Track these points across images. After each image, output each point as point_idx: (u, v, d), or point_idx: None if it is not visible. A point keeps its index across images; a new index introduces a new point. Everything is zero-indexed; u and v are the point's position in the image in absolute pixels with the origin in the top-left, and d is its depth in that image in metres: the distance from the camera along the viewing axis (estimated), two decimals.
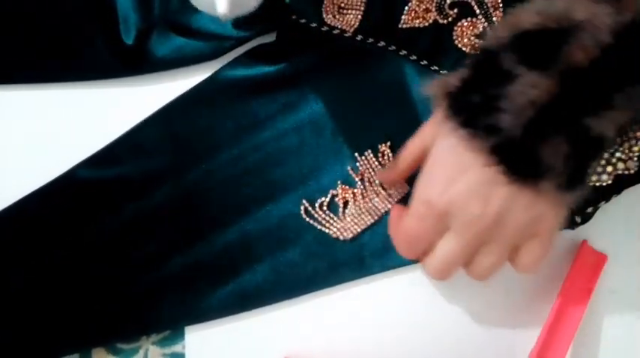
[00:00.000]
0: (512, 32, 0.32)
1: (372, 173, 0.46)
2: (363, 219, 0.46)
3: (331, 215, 0.46)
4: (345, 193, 0.46)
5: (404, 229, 0.37)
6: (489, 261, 0.35)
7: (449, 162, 0.34)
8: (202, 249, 0.46)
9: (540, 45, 0.31)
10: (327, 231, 0.46)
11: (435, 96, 0.34)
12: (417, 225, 0.36)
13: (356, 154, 0.47)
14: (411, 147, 0.39)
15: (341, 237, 0.46)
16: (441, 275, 0.37)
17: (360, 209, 0.46)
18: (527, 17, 0.31)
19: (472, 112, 0.32)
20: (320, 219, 0.46)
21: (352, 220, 0.46)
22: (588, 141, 0.31)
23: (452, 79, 0.33)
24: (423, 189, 0.36)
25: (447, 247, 0.35)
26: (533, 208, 0.33)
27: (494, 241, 0.34)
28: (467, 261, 0.36)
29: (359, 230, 0.46)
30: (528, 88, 0.30)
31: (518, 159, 0.32)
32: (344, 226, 0.46)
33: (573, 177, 0.32)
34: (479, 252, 0.35)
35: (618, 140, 0.42)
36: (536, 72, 0.30)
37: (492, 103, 0.31)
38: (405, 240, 0.38)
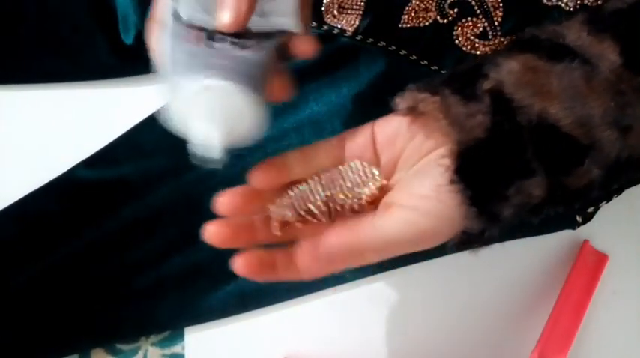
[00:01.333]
0: (541, 120, 0.29)
1: None
2: None
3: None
4: None
5: None
6: None
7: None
8: (202, 250, 0.46)
9: (565, 155, 0.29)
10: None
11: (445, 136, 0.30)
12: None
13: None
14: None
15: None
16: None
17: None
18: (562, 114, 0.29)
19: (483, 190, 0.29)
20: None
21: None
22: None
23: (471, 123, 0.29)
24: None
25: None
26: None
27: None
28: None
29: None
30: (535, 188, 0.29)
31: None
32: None
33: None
34: None
35: None
36: (547, 177, 0.29)
37: (502, 189, 0.29)
38: None
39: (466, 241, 0.32)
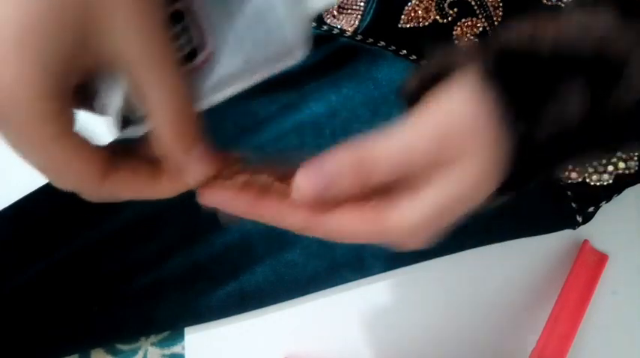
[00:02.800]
0: (560, 41, 0.26)
1: None
2: None
3: None
4: None
5: None
6: None
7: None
8: (202, 250, 0.46)
9: (602, 65, 0.25)
10: None
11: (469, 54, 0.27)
12: None
13: None
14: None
15: None
16: None
17: None
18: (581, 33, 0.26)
19: (521, 86, 0.26)
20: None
21: None
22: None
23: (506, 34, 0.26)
24: None
25: None
26: None
27: None
28: None
29: None
30: (573, 97, 0.25)
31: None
32: None
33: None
34: None
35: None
36: (588, 87, 0.25)
37: (538, 89, 0.26)
38: None
39: (507, 164, 0.26)
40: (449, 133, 0.25)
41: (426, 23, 0.45)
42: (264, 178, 0.27)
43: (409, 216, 0.25)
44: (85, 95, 0.26)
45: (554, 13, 0.27)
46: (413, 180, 0.25)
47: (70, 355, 0.46)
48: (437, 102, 0.26)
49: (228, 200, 0.27)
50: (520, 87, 0.26)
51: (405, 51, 0.46)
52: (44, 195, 0.47)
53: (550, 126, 0.26)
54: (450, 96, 0.26)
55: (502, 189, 0.28)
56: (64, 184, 0.24)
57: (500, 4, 0.44)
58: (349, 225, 0.27)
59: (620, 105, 0.27)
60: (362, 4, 0.46)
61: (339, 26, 0.46)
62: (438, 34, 0.45)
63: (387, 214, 0.26)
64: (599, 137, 0.28)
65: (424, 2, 0.45)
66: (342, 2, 0.46)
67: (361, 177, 0.25)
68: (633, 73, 0.26)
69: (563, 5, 0.41)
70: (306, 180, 0.25)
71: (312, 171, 0.25)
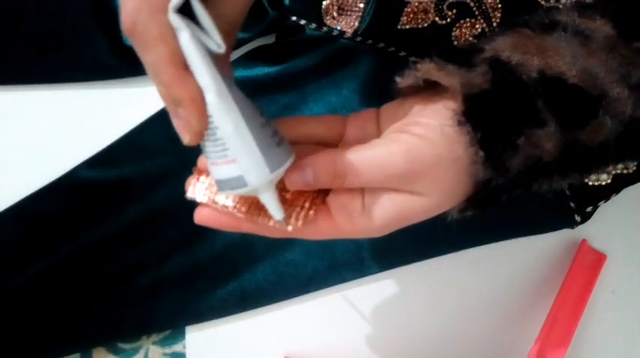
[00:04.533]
0: (545, 74, 0.28)
1: None
2: None
3: None
4: None
5: None
6: None
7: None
8: (202, 249, 0.46)
9: (576, 105, 0.28)
10: None
11: (450, 88, 0.29)
12: None
13: None
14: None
15: None
16: None
17: None
18: (566, 67, 0.28)
19: (491, 134, 0.28)
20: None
21: None
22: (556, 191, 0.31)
23: (475, 78, 0.29)
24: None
25: None
26: None
27: None
28: None
29: None
30: (547, 141, 0.28)
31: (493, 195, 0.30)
32: None
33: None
34: None
35: None
36: (560, 130, 0.28)
37: (512, 136, 0.28)
38: None
39: (472, 197, 0.30)
40: (420, 159, 0.28)
41: (425, 24, 0.45)
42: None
43: (372, 224, 0.30)
44: None
45: (546, 39, 0.29)
46: (382, 190, 0.29)
47: (71, 354, 0.46)
48: (415, 125, 0.29)
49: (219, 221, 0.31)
50: (493, 132, 0.28)
51: (404, 52, 0.46)
52: (45, 196, 0.47)
53: (521, 164, 0.28)
54: (427, 125, 0.29)
55: (470, 207, 0.31)
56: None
57: (499, 6, 0.44)
58: (322, 234, 0.31)
59: (597, 136, 0.28)
60: (361, 5, 0.46)
61: (338, 27, 0.46)
62: (437, 35, 0.45)
63: (355, 221, 0.30)
64: (577, 165, 0.30)
65: (423, 4, 0.45)
66: (341, 4, 0.46)
67: (338, 178, 0.29)
68: (611, 105, 0.28)
69: (560, 7, 0.41)
70: (292, 178, 0.29)
71: (298, 171, 0.29)
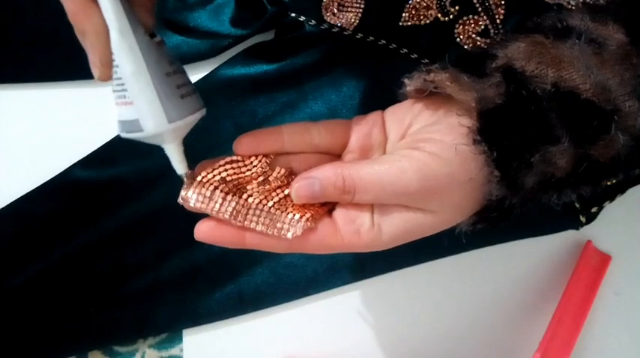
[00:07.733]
0: (559, 87, 0.28)
1: None
2: None
3: None
4: None
5: None
6: None
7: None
8: (201, 251, 0.46)
9: (590, 121, 0.28)
10: None
11: (464, 104, 0.29)
12: None
13: None
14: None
15: None
16: None
17: None
18: (580, 80, 0.28)
19: (507, 153, 0.28)
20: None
21: None
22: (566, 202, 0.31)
23: (489, 90, 0.28)
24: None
25: None
26: None
27: None
28: None
29: None
30: (561, 157, 0.28)
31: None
32: None
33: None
34: None
35: None
36: (574, 146, 0.28)
37: (527, 154, 0.28)
38: None
39: (483, 212, 0.30)
40: (433, 178, 0.28)
41: (427, 21, 0.45)
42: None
43: (380, 239, 0.30)
44: None
45: (560, 48, 0.29)
46: (392, 206, 0.29)
47: (67, 357, 0.46)
48: (428, 142, 0.29)
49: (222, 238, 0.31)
50: (508, 151, 0.28)
51: (405, 49, 0.46)
52: (42, 196, 0.47)
53: (534, 181, 0.28)
54: (441, 143, 0.28)
55: (480, 221, 0.31)
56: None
57: (502, 2, 0.43)
58: (327, 248, 0.31)
59: (609, 151, 0.28)
60: (361, 1, 0.45)
61: (338, 24, 0.46)
62: (440, 33, 0.45)
63: (363, 236, 0.30)
64: (588, 180, 0.30)
65: (425, 0, 0.44)
66: (341, 0, 0.46)
67: (347, 193, 0.29)
68: (623, 119, 0.28)
69: (564, 3, 0.41)
70: (298, 191, 0.30)
71: (304, 184, 0.30)
